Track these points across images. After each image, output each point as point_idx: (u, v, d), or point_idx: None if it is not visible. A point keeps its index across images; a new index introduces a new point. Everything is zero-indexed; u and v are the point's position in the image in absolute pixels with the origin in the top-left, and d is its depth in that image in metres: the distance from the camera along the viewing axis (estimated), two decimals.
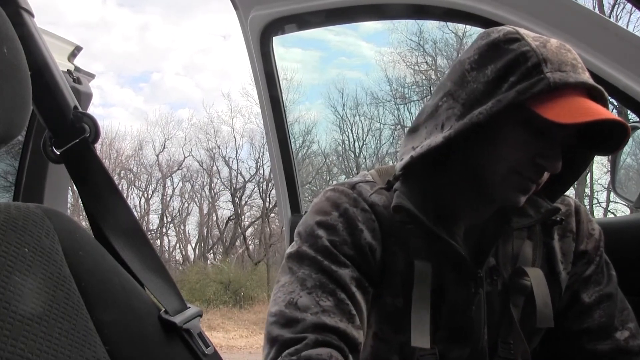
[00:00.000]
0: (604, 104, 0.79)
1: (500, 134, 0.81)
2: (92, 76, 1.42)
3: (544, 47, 0.78)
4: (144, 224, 14.46)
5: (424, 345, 0.83)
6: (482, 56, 0.81)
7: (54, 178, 1.36)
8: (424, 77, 13.52)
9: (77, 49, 1.42)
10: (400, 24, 13.10)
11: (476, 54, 0.82)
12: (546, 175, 0.84)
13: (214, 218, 15.83)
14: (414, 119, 0.92)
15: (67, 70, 1.34)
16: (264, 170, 14.80)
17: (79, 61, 1.43)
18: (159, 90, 20.45)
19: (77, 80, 1.32)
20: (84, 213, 0.81)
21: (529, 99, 0.76)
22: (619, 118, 0.77)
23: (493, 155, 0.82)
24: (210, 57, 20.92)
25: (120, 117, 20.18)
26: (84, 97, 1.31)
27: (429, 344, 0.83)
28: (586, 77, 0.79)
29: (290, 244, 0.90)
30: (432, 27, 13.18)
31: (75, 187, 0.81)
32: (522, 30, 0.82)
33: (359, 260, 0.85)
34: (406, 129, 0.91)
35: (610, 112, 0.77)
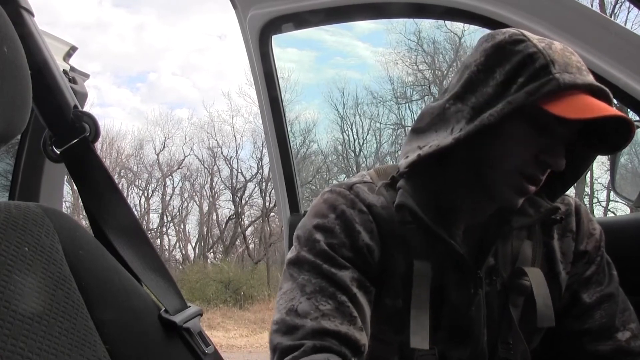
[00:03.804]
0: (610, 104, 0.79)
1: (504, 130, 0.81)
2: (86, 76, 1.42)
3: (550, 49, 0.79)
4: (144, 223, 14.46)
5: (423, 346, 0.83)
6: (488, 58, 0.81)
7: (49, 176, 1.36)
8: (422, 77, 13.52)
9: (72, 49, 1.41)
10: (398, 24, 13.12)
11: (482, 57, 0.82)
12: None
13: (214, 217, 15.85)
14: (415, 117, 0.92)
15: (63, 70, 1.34)
16: (264, 170, 14.82)
17: (75, 61, 1.43)
18: (156, 90, 20.49)
19: (73, 80, 1.31)
20: (84, 212, 0.81)
21: (537, 99, 0.77)
22: (625, 115, 0.77)
23: (497, 152, 0.82)
24: (206, 57, 20.94)
25: (118, 117, 20.25)
26: (80, 97, 1.30)
27: (428, 344, 0.83)
28: (592, 79, 0.80)
29: (289, 243, 0.90)
30: (430, 27, 13.20)
31: (75, 186, 0.81)
32: (526, 32, 0.82)
33: (358, 262, 0.85)
34: (406, 129, 0.90)
35: (617, 110, 0.78)
